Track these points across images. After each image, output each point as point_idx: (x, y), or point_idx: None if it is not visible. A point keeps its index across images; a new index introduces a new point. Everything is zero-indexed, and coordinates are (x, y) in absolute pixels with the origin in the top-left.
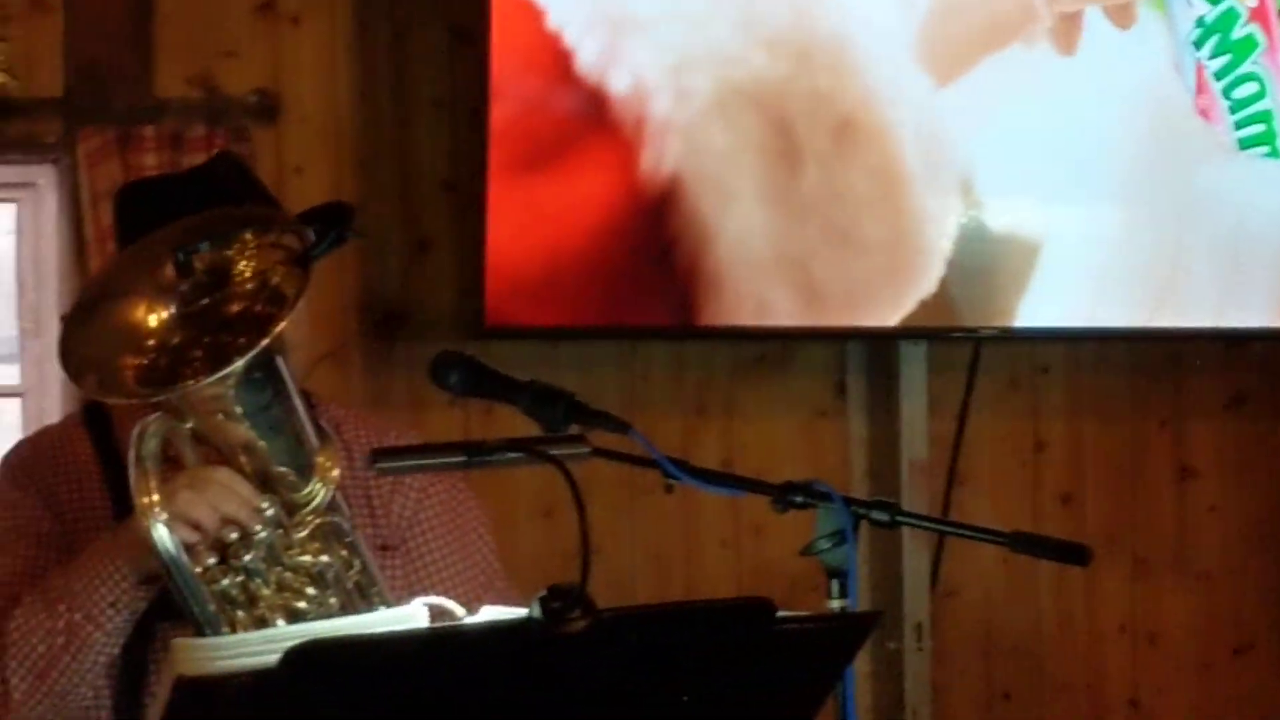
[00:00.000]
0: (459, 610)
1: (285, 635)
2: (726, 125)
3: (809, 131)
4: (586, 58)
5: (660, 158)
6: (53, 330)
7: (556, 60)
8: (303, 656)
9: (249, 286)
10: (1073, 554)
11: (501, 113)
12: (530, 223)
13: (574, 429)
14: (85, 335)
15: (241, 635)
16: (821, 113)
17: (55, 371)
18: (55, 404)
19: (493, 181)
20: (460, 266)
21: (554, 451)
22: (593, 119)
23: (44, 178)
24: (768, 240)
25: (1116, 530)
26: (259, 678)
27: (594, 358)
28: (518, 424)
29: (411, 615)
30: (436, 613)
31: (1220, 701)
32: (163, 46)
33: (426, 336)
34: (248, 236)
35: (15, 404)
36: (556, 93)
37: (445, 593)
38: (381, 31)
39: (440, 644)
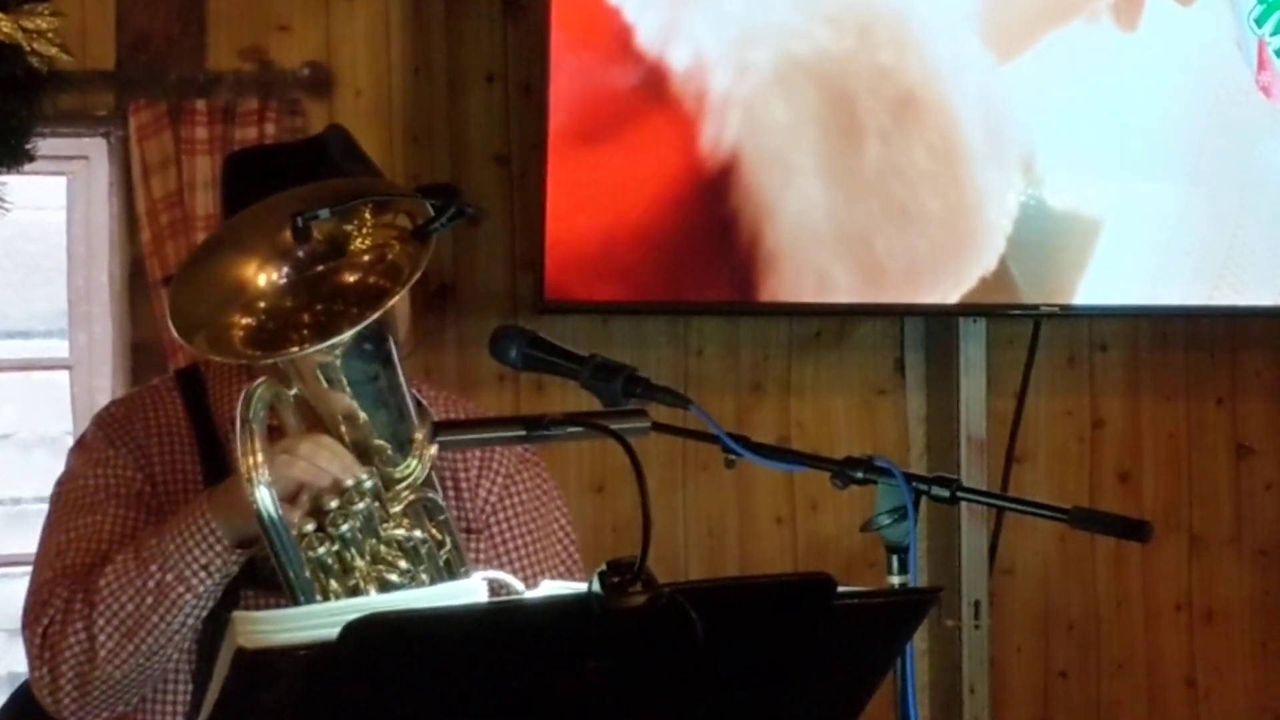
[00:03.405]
0: (518, 584)
1: (345, 609)
2: (787, 100)
3: (870, 107)
4: (647, 32)
5: (720, 132)
6: (103, 304)
7: (617, 35)
8: (361, 630)
9: (365, 258)
10: (1133, 530)
11: (561, 87)
12: (589, 198)
13: (633, 403)
14: (193, 292)
15: (302, 609)
16: (883, 88)
17: (105, 345)
18: (105, 378)
19: (552, 156)
20: (511, 241)
21: (614, 426)
22: (653, 93)
23: (95, 151)
24: (828, 216)
25: (1173, 508)
26: (318, 651)
27: (647, 334)
28: (568, 400)
29: (471, 589)
30: (495, 587)
31: (1277, 679)
32: (215, 19)
33: (476, 311)
34: (366, 213)
35: (64, 377)
36: (616, 67)
37: (525, 579)
38: (434, 5)
39: (500, 618)
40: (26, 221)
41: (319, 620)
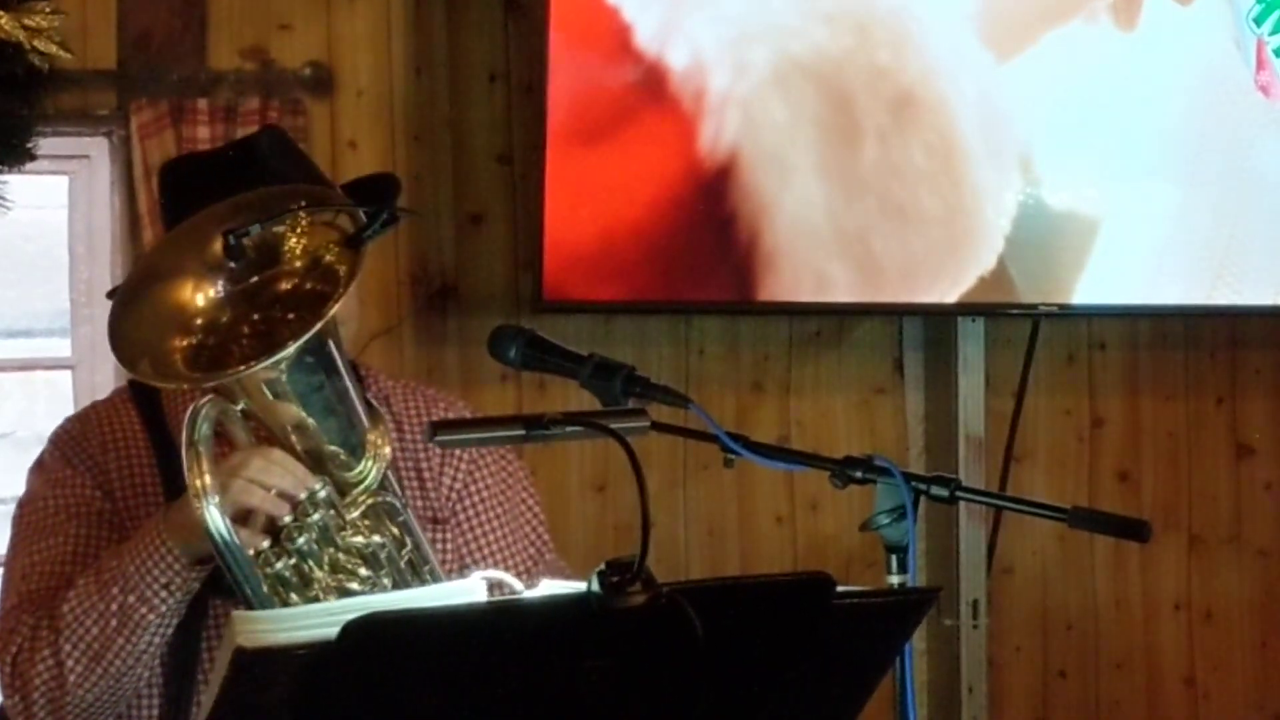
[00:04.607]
0: (517, 584)
1: (345, 608)
2: (786, 99)
3: (868, 106)
4: (646, 31)
5: (719, 132)
6: (105, 303)
7: (616, 34)
8: (361, 630)
9: (299, 264)
10: (1132, 529)
11: (560, 87)
12: (588, 197)
13: (632, 403)
14: (133, 318)
15: (301, 608)
16: (881, 87)
17: (106, 344)
18: (107, 376)
19: (551, 156)
20: (513, 240)
21: (614, 425)
22: (651, 93)
23: (97, 150)
24: (826, 215)
25: (1172, 507)
26: (318, 651)
27: (648, 333)
28: (569, 400)
29: (469, 589)
30: (494, 586)
31: (1276, 679)
32: (216, 18)
33: (478, 311)
34: (300, 215)
35: (67, 376)
36: (615, 66)
37: (495, 565)
38: (435, 4)
39: (499, 618)
40: (27, 221)
41: (318, 620)
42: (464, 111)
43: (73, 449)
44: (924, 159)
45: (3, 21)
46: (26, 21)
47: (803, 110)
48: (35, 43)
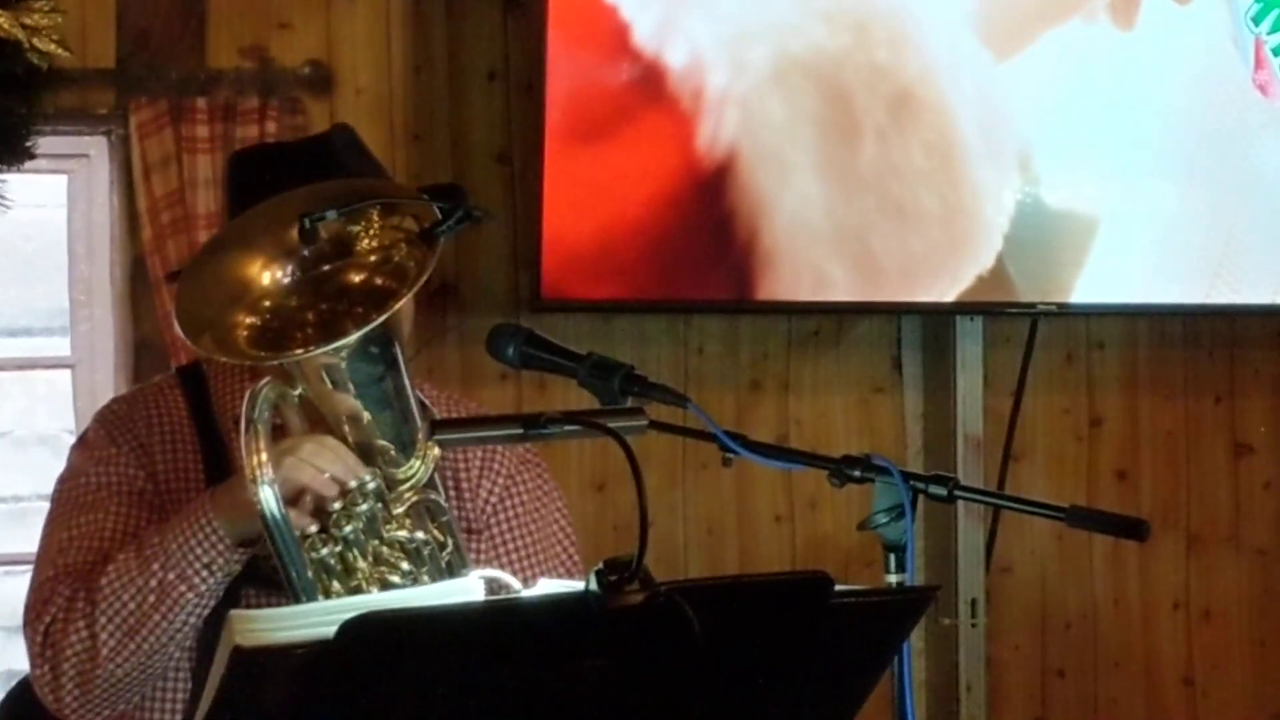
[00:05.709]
0: (515, 583)
1: (342, 607)
2: (784, 98)
3: (867, 105)
4: (644, 30)
5: (717, 130)
6: (104, 302)
7: (614, 33)
8: (359, 629)
9: (371, 259)
10: (1130, 528)
11: (558, 86)
12: (586, 196)
13: (630, 402)
14: (200, 292)
15: (300, 607)
16: (880, 86)
17: (106, 343)
18: (107, 375)
19: (549, 155)
20: (513, 240)
21: (612, 424)
22: (650, 91)
23: (96, 149)
24: (825, 214)
25: (1171, 506)
26: (315, 650)
27: (647, 332)
28: (570, 399)
29: (468, 587)
30: (493, 586)
31: (1275, 678)
32: (215, 17)
33: (478, 310)
34: (373, 214)
35: (66, 375)
36: (614, 65)
37: (523, 582)
38: (434, 3)
39: (497, 617)
40: (27, 220)
41: (316, 619)
42: (463, 110)
43: (118, 428)
44: (923, 158)
45: (2, 20)
46: (25, 20)
47: (801, 109)
48: (34, 41)
